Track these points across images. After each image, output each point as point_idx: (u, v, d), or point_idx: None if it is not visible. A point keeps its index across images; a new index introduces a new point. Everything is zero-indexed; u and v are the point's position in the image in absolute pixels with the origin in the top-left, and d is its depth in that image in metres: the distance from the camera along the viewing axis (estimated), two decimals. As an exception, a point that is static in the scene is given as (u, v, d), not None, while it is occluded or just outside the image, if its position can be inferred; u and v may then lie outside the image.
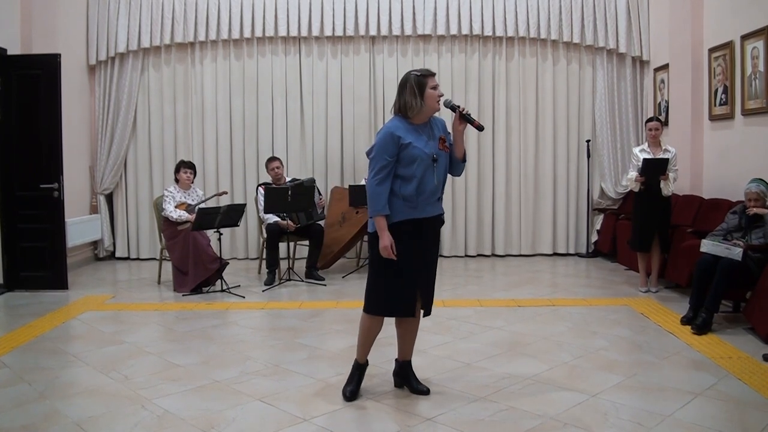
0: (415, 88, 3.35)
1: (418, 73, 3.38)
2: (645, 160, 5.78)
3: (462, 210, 8.25)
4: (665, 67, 7.44)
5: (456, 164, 3.53)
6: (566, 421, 3.14)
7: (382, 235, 3.29)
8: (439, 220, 3.51)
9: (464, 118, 3.39)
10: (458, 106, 3.42)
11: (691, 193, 6.68)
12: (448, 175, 3.55)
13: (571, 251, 8.31)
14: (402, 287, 3.38)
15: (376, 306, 3.44)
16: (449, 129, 3.51)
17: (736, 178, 5.87)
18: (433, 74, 3.42)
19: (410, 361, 3.63)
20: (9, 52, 6.44)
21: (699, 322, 4.60)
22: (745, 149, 5.95)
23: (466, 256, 8.28)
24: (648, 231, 5.93)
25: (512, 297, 5.94)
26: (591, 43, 8.05)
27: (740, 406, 3.31)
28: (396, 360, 3.67)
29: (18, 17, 6.70)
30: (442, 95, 3.42)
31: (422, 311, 3.53)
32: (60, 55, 6.38)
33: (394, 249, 3.28)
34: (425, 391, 3.52)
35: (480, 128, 3.42)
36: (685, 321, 4.80)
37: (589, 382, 3.69)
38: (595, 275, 6.96)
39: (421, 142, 3.34)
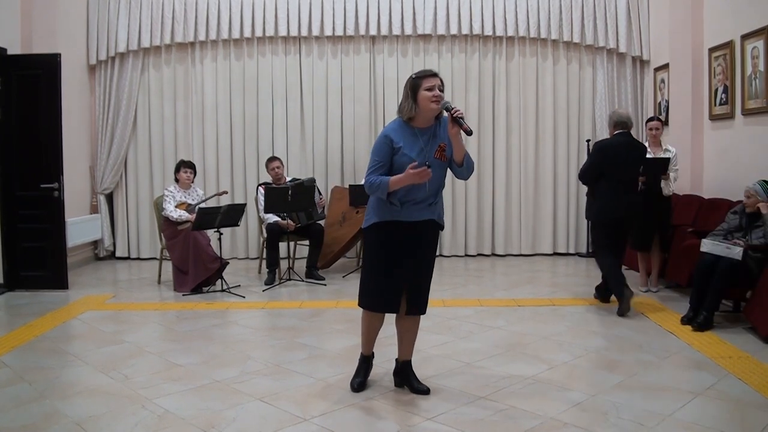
0: (409, 90, 3.33)
1: (414, 75, 3.35)
2: (646, 159, 5.77)
3: (462, 209, 8.25)
4: (665, 66, 7.44)
5: (455, 169, 3.44)
6: (566, 421, 3.14)
7: (405, 179, 3.22)
8: (431, 224, 3.46)
9: (455, 121, 3.24)
10: (452, 108, 3.27)
11: (692, 192, 6.68)
12: (450, 173, 3.52)
13: (571, 251, 8.31)
14: (384, 284, 3.42)
15: (363, 300, 3.52)
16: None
17: (737, 178, 5.87)
18: (431, 75, 3.32)
19: (410, 361, 3.63)
20: (9, 52, 6.44)
21: (700, 319, 4.61)
22: (746, 149, 5.95)
23: (466, 255, 8.29)
24: (648, 230, 5.93)
25: (512, 297, 5.94)
26: (591, 43, 8.05)
27: (740, 406, 3.31)
28: (396, 360, 3.67)
29: (18, 17, 6.71)
30: (438, 96, 3.28)
31: (411, 310, 3.51)
32: (60, 54, 6.38)
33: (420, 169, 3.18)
34: (425, 391, 3.52)
35: (468, 132, 3.23)
36: (686, 321, 4.80)
37: (589, 382, 3.69)
38: (595, 275, 6.93)
39: (413, 149, 3.31)
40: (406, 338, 3.61)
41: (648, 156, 5.83)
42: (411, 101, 3.31)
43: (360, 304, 3.55)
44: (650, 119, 6.07)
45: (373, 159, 3.36)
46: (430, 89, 3.28)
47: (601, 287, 5.64)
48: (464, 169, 3.41)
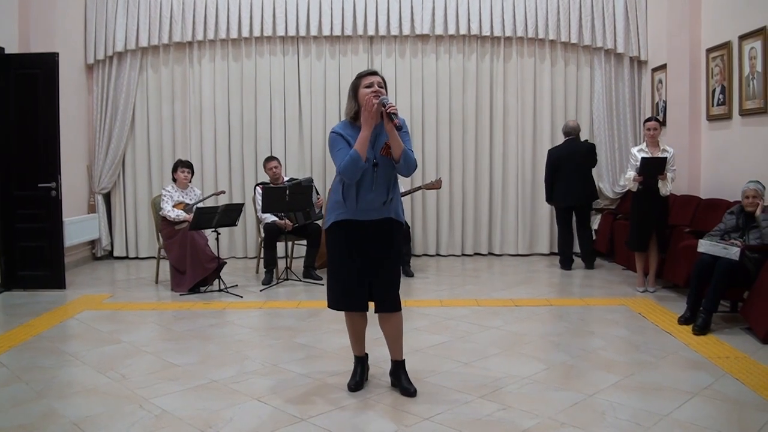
0: (351, 91, 3.43)
1: (356, 76, 3.44)
2: (643, 159, 5.79)
3: (459, 209, 8.25)
4: (663, 67, 7.45)
5: (395, 166, 3.40)
6: (563, 421, 3.15)
7: (364, 129, 3.28)
8: (389, 222, 3.47)
9: (388, 116, 3.25)
10: (387, 104, 3.26)
11: (689, 193, 6.68)
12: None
13: (569, 251, 8.31)
14: (347, 283, 3.48)
15: (329, 299, 3.61)
16: (406, 128, 3.44)
17: (734, 178, 5.88)
18: (369, 73, 3.41)
19: (402, 361, 3.62)
20: (7, 51, 6.43)
21: (699, 322, 4.61)
22: (743, 149, 5.96)
23: (463, 255, 8.29)
24: (645, 230, 5.94)
25: (510, 296, 5.94)
26: (589, 44, 8.06)
27: (738, 406, 3.32)
28: (392, 360, 3.67)
29: (16, 16, 6.70)
30: (377, 90, 3.31)
31: (378, 307, 3.52)
32: (58, 54, 6.37)
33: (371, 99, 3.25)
34: (412, 393, 3.50)
35: (398, 127, 3.25)
36: (683, 321, 4.81)
37: (586, 382, 3.69)
38: (592, 275, 6.97)
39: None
40: (389, 337, 3.60)
41: (645, 156, 5.84)
42: (352, 100, 3.41)
43: (328, 305, 3.62)
44: (648, 119, 6.07)
45: (336, 153, 3.39)
46: (368, 86, 3.35)
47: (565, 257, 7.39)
48: (401, 166, 3.38)
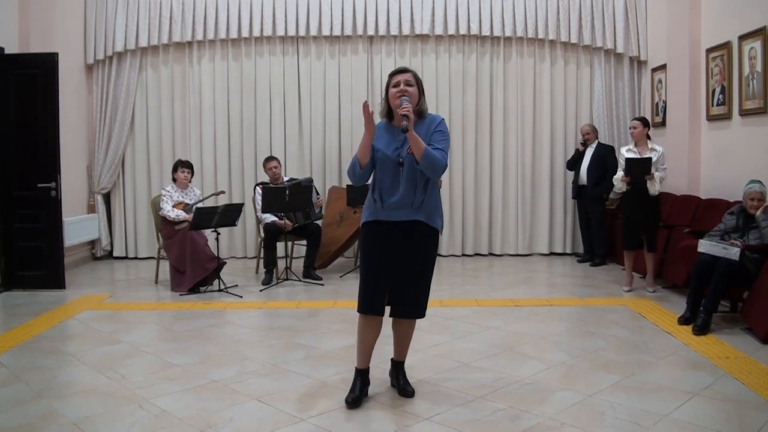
0: (384, 89, 3.41)
1: (389, 74, 3.41)
2: (627, 160, 5.80)
3: (459, 209, 8.25)
4: (663, 67, 7.44)
5: (418, 166, 3.26)
6: (563, 421, 3.15)
7: (365, 135, 3.29)
8: (420, 226, 3.37)
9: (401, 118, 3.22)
10: (402, 105, 3.20)
11: (689, 193, 6.68)
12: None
13: (568, 251, 8.32)
14: (370, 284, 3.38)
15: (358, 302, 3.44)
16: (443, 128, 3.38)
17: (734, 179, 5.88)
18: (399, 71, 3.34)
19: (402, 361, 3.61)
20: (6, 51, 6.43)
21: (699, 322, 4.61)
22: (743, 149, 5.96)
23: (464, 255, 8.29)
24: (635, 230, 5.93)
25: (510, 297, 5.94)
26: (589, 43, 8.06)
27: (737, 406, 3.32)
28: (391, 359, 3.66)
29: (16, 16, 6.70)
30: (402, 90, 3.25)
31: (393, 311, 3.44)
32: (57, 54, 6.36)
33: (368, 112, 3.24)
34: (410, 393, 3.48)
35: (402, 129, 3.15)
36: (683, 321, 4.81)
37: (586, 382, 3.69)
38: (592, 275, 6.96)
39: (389, 145, 3.33)
40: (397, 340, 3.57)
41: (632, 155, 5.84)
42: (384, 100, 3.39)
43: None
44: (633, 119, 6.08)
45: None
46: (395, 86, 3.31)
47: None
48: (422, 166, 3.22)
